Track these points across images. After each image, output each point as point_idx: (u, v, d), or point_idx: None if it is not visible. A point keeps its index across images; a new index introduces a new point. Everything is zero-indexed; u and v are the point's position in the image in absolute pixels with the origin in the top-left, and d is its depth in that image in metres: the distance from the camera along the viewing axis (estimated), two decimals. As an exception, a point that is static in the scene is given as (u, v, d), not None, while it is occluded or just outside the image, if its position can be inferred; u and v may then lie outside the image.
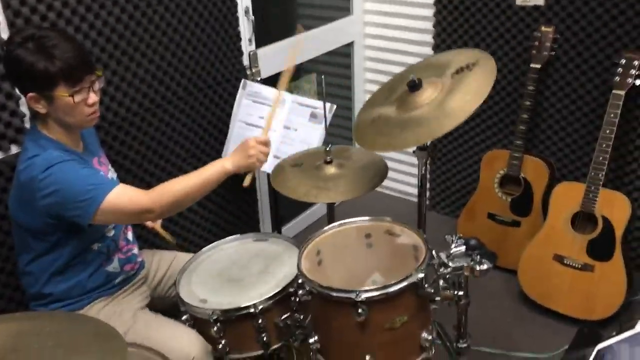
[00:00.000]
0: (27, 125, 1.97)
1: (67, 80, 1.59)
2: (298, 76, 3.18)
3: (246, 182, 1.86)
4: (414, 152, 1.94)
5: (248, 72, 2.72)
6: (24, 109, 1.96)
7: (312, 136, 2.37)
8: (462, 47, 2.97)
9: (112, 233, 1.83)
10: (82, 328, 1.14)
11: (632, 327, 1.18)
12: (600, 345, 1.21)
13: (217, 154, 2.69)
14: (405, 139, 1.74)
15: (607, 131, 2.41)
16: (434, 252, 1.66)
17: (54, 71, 1.57)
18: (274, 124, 2.43)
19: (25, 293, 1.88)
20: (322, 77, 1.98)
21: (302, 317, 1.83)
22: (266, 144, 1.83)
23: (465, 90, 1.71)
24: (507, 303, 2.76)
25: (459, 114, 1.66)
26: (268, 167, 2.40)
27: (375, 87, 3.45)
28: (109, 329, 1.12)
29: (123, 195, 1.66)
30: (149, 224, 2.23)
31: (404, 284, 1.54)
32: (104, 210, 1.62)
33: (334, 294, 1.56)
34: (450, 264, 1.61)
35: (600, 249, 2.46)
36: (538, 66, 2.63)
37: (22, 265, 1.81)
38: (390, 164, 2.11)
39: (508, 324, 2.65)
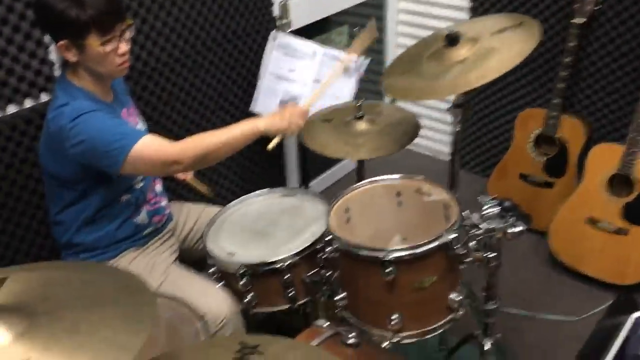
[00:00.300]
0: (57, 73, 1.96)
1: (98, 28, 1.57)
2: (329, 28, 3.09)
3: (271, 145, 1.81)
4: (448, 109, 1.88)
5: (278, 23, 2.65)
6: (53, 56, 1.94)
7: (343, 90, 2.32)
8: (502, 10, 2.86)
9: (140, 185, 1.83)
10: (112, 279, 1.14)
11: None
12: (637, 314, 1.18)
13: (245, 106, 2.65)
14: (437, 89, 1.69)
15: (651, 91, 2.31)
16: (466, 212, 1.62)
17: (85, 19, 1.54)
18: (304, 77, 2.38)
19: (56, 242, 1.90)
20: (356, 29, 1.91)
21: (329, 273, 1.82)
22: (304, 115, 1.78)
23: (504, 48, 1.64)
24: (536, 265, 2.72)
25: (494, 70, 1.60)
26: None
27: (408, 41, 3.36)
28: (139, 282, 1.12)
29: (151, 145, 1.64)
30: (179, 175, 2.21)
31: (435, 244, 1.51)
32: (132, 160, 1.60)
33: (363, 252, 1.54)
34: (483, 225, 1.57)
35: (636, 213, 2.39)
36: (581, 21, 2.51)
37: (52, 214, 1.82)
38: (421, 121, 2.06)
39: (537, 286, 2.62)
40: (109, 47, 1.61)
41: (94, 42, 1.58)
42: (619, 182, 2.43)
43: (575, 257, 2.59)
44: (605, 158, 2.45)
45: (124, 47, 1.65)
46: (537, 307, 2.50)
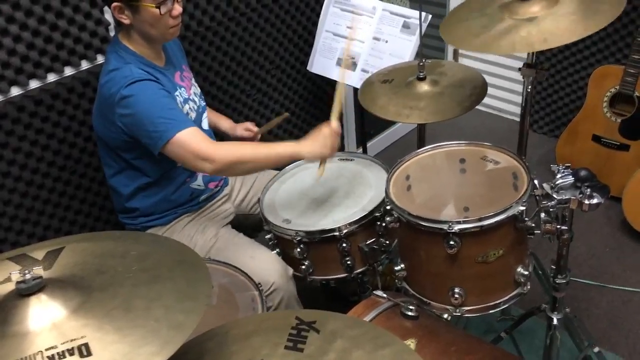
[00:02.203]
0: (112, 34, 1.93)
1: None
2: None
3: (320, 172, 1.75)
4: (519, 69, 1.74)
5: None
6: (108, 16, 1.91)
7: (404, 49, 2.19)
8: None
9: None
10: (167, 253, 1.11)
11: None
12: None
13: (301, 65, 2.57)
14: (498, 45, 1.56)
15: None
16: (536, 182, 1.51)
17: None
18: (364, 36, 2.27)
19: (114, 206, 1.91)
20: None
21: (387, 242, 1.77)
22: (339, 134, 1.72)
23: (584, 12, 1.50)
24: (607, 232, 2.57)
25: (563, 36, 1.47)
26: (356, 81, 2.27)
27: (473, -7, 3.17)
28: (195, 257, 1.09)
29: (192, 138, 1.60)
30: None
31: (502, 216, 1.42)
32: (171, 146, 1.58)
33: (425, 223, 1.46)
34: (555, 195, 1.45)
35: None
36: (668, -32, 2.29)
37: (107, 178, 1.82)
38: (488, 79, 1.93)
39: (608, 254, 2.48)
40: (163, 9, 1.57)
41: (148, 4, 1.54)
42: None
43: (651, 225, 2.44)
44: (690, 119, 2.26)
45: (178, 8, 1.61)
46: (608, 277, 2.37)
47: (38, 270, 0.93)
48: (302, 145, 1.69)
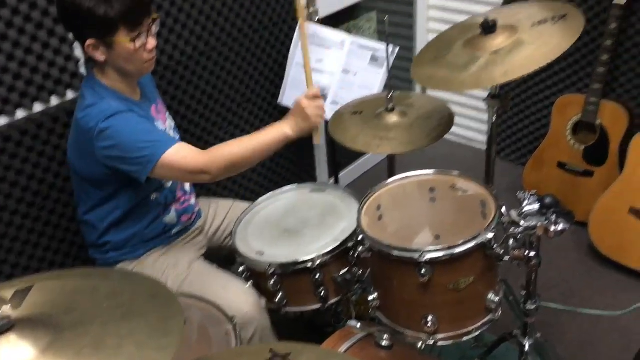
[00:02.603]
0: (82, 70, 1.94)
1: (127, 24, 1.53)
2: (357, 15, 3.01)
3: (316, 140, 1.79)
4: (484, 100, 1.80)
5: (305, 12, 2.58)
6: (78, 53, 1.92)
7: (372, 81, 2.24)
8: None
9: (169, 184, 1.80)
10: (138, 289, 1.10)
11: None
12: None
13: (273, 98, 2.60)
14: (464, 81, 1.61)
15: (699, 75, 2.18)
16: (504, 209, 1.54)
17: (114, 16, 1.50)
18: (333, 68, 2.32)
19: (85, 241, 1.89)
20: (386, 18, 1.84)
21: (360, 271, 1.78)
22: (316, 96, 1.73)
23: (542, 42, 1.56)
24: (576, 257, 2.63)
25: (524, 67, 1.52)
26: (327, 113, 2.30)
27: (439, 26, 3.26)
28: (166, 291, 1.08)
29: (180, 154, 1.61)
30: None
31: (472, 244, 1.44)
32: (160, 167, 1.59)
33: (396, 252, 1.48)
34: (522, 222, 1.49)
35: (682, 204, 2.29)
36: (622, 3, 2.39)
37: (80, 214, 1.81)
38: (455, 108, 1.98)
39: (577, 279, 2.53)
40: (138, 43, 1.57)
41: (123, 39, 1.55)
42: (664, 171, 2.32)
43: (617, 249, 2.49)
44: (649, 146, 2.34)
45: (152, 42, 1.62)
46: (577, 301, 2.41)
47: (6, 310, 0.92)
48: (286, 126, 1.71)
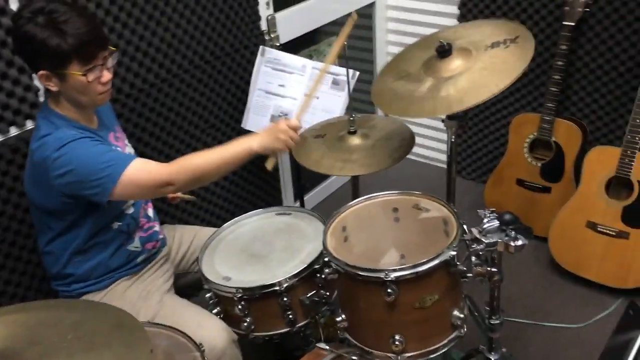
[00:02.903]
0: (42, 99, 1.92)
1: (80, 58, 1.52)
2: (318, 39, 3.07)
3: (269, 165, 1.77)
4: (443, 121, 1.85)
5: (266, 38, 2.62)
6: (37, 82, 1.90)
7: (334, 105, 2.28)
8: (490, 15, 2.83)
9: (131, 210, 1.78)
10: (103, 318, 1.10)
11: (683, 310, 1.11)
12: (647, 329, 1.15)
13: (236, 123, 2.62)
14: (420, 109, 1.67)
15: (646, 92, 2.28)
16: (465, 227, 1.58)
17: (67, 49, 1.49)
18: (295, 92, 2.35)
19: (47, 272, 1.86)
20: (345, 43, 1.88)
21: (328, 293, 1.79)
22: (296, 129, 1.75)
23: (494, 68, 1.62)
24: (537, 271, 2.69)
25: (478, 94, 1.58)
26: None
27: (398, 50, 3.32)
28: (132, 320, 1.08)
29: (142, 170, 1.60)
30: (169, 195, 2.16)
31: (436, 262, 1.47)
32: (123, 186, 1.57)
33: (362, 273, 1.50)
34: (484, 239, 1.53)
35: (636, 216, 2.36)
36: (571, 24, 2.49)
37: (41, 245, 1.78)
38: (416, 129, 2.03)
39: (538, 293, 2.58)
40: (91, 76, 1.56)
41: (75, 72, 1.53)
42: (617, 185, 2.41)
43: (576, 262, 2.56)
44: (603, 161, 2.42)
45: (107, 75, 1.60)
46: (540, 315, 2.46)
47: (-33, 346, 0.91)
48: (253, 139, 1.70)
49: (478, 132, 3.17)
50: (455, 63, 1.70)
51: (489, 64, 1.67)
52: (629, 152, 2.33)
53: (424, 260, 1.47)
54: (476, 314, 1.97)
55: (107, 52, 1.59)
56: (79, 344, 1.00)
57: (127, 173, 1.57)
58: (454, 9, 2.99)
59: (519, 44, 1.68)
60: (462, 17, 2.97)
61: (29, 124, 1.92)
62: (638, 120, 2.29)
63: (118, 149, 1.76)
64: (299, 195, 2.82)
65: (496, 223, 1.54)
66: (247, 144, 1.68)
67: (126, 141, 1.87)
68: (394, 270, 1.46)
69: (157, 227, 1.92)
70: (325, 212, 1.95)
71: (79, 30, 1.50)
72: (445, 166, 3.13)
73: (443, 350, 1.58)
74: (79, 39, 1.50)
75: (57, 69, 1.53)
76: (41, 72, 1.54)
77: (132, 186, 1.59)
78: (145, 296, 1.81)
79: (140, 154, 2.19)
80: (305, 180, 2.92)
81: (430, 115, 1.73)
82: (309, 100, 1.93)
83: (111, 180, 1.56)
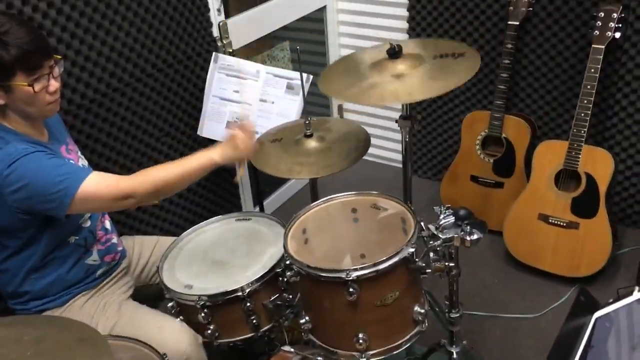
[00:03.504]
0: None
1: (25, 68, 1.49)
2: (271, 45, 3.08)
3: (237, 177, 1.77)
4: (396, 121, 1.89)
5: (219, 44, 2.62)
6: (-16, 97, 1.85)
7: (289, 109, 2.30)
8: (437, 19, 2.91)
9: (88, 224, 1.75)
10: (64, 333, 1.08)
11: (630, 293, 1.16)
12: (598, 314, 1.20)
13: (192, 130, 2.60)
14: (368, 96, 1.73)
15: (588, 87, 2.38)
16: (422, 224, 1.62)
17: (10, 60, 1.46)
18: (250, 98, 2.36)
19: (2, 291, 1.81)
20: (298, 47, 1.90)
21: (291, 296, 1.80)
22: (252, 134, 1.75)
23: (442, 73, 1.70)
24: (493, 264, 2.76)
25: (426, 91, 1.65)
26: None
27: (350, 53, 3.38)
28: (94, 334, 1.07)
29: (100, 182, 1.57)
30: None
31: (395, 259, 1.51)
32: (80, 200, 1.54)
33: (324, 274, 1.52)
34: (440, 235, 1.57)
35: (584, 206, 2.46)
36: (516, 23, 2.58)
37: (-4, 264, 1.73)
38: (371, 130, 2.06)
39: (495, 285, 2.66)
40: (38, 87, 1.52)
41: (21, 83, 1.50)
42: (566, 178, 2.50)
43: (530, 254, 2.64)
44: (551, 155, 2.51)
45: (54, 84, 1.57)
46: (497, 307, 2.53)
47: None
48: (213, 152, 1.69)
49: (432, 131, 3.24)
50: (403, 65, 1.75)
51: (439, 68, 1.73)
52: (575, 145, 2.42)
53: (384, 259, 1.50)
54: (436, 309, 2.01)
55: (52, 61, 1.57)
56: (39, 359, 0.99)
57: (85, 186, 1.54)
58: (403, 11, 3.04)
59: (466, 58, 1.76)
60: (411, 31, 3.03)
61: (-23, 139, 1.86)
62: (583, 115, 2.39)
63: (71, 161, 1.73)
64: (258, 200, 2.82)
65: (452, 219, 1.59)
66: (209, 156, 1.68)
67: (79, 153, 1.84)
68: (355, 270, 1.49)
69: (115, 239, 1.89)
70: (285, 216, 1.96)
71: (20, 40, 1.47)
72: (400, 165, 3.19)
73: (406, 346, 1.62)
74: (21, 49, 1.47)
75: (1, 82, 1.49)
76: None
77: (91, 199, 1.56)
78: (102, 307, 1.78)
79: (95, 165, 2.16)
80: (263, 185, 2.93)
81: (378, 102, 1.79)
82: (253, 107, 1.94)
83: (68, 194, 1.53)
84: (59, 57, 1.60)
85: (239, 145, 1.70)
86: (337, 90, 1.82)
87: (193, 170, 1.67)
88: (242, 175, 1.77)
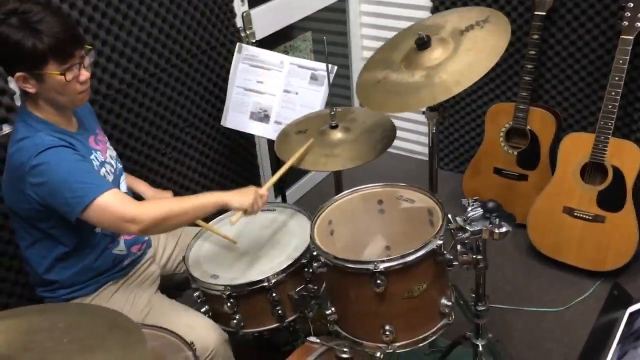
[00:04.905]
0: (18, 103, 1.89)
1: (57, 57, 1.50)
2: (293, 35, 3.07)
3: (234, 219, 1.77)
4: (424, 112, 1.87)
5: (242, 35, 2.62)
6: (13, 85, 1.87)
7: (314, 99, 2.29)
8: (463, 5, 2.87)
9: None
10: (97, 320, 1.09)
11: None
12: (631, 308, 1.18)
13: (215, 121, 2.61)
14: (418, 100, 1.67)
15: (616, 78, 2.34)
16: (450, 216, 1.61)
17: (43, 49, 1.47)
18: (273, 88, 2.35)
19: (30, 279, 1.83)
20: (325, 38, 1.89)
21: (316, 287, 1.80)
22: (265, 198, 1.80)
23: (478, 48, 1.63)
24: (517, 258, 2.74)
25: (472, 73, 1.59)
26: (270, 133, 2.33)
27: (373, 44, 3.36)
28: (126, 321, 1.07)
29: (114, 201, 1.56)
30: None
31: (423, 252, 1.50)
32: (91, 211, 1.54)
33: (351, 265, 1.51)
34: (468, 227, 1.56)
35: (611, 200, 2.43)
36: (542, 13, 2.54)
37: (22, 250, 1.74)
38: (396, 122, 2.04)
39: (519, 278, 2.63)
40: (69, 76, 1.53)
41: (53, 72, 1.51)
42: (592, 171, 2.46)
43: (555, 247, 2.62)
44: (577, 147, 2.47)
45: (85, 74, 1.58)
46: (521, 300, 2.51)
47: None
48: (231, 197, 1.72)
49: (454, 123, 3.21)
50: (436, 52, 1.71)
51: (472, 45, 1.67)
52: (602, 137, 2.39)
53: (412, 250, 1.49)
54: (462, 302, 2.00)
55: (83, 51, 1.57)
56: (74, 347, 1.00)
57: (98, 201, 1.54)
58: (427, 1, 3.01)
59: (492, 23, 1.70)
60: (435, 10, 3.00)
61: (5, 128, 1.88)
62: (610, 107, 2.35)
63: (98, 152, 1.74)
64: (281, 190, 2.82)
65: (480, 211, 1.57)
66: (222, 198, 1.71)
67: (108, 144, 1.85)
68: (383, 262, 1.48)
69: (141, 229, 1.90)
70: (308, 206, 1.96)
71: (54, 29, 1.48)
72: (423, 158, 3.15)
73: (433, 338, 1.61)
74: (54, 38, 1.48)
75: (34, 70, 1.50)
76: (18, 74, 1.51)
77: (101, 213, 1.55)
78: (132, 301, 1.79)
79: (121, 156, 2.17)
80: (286, 175, 2.92)
81: (431, 103, 1.72)
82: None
83: (81, 203, 1.53)
84: (90, 47, 1.61)
85: (252, 200, 1.74)
86: (382, 103, 1.77)
87: (205, 205, 1.69)
88: (236, 221, 1.78)
